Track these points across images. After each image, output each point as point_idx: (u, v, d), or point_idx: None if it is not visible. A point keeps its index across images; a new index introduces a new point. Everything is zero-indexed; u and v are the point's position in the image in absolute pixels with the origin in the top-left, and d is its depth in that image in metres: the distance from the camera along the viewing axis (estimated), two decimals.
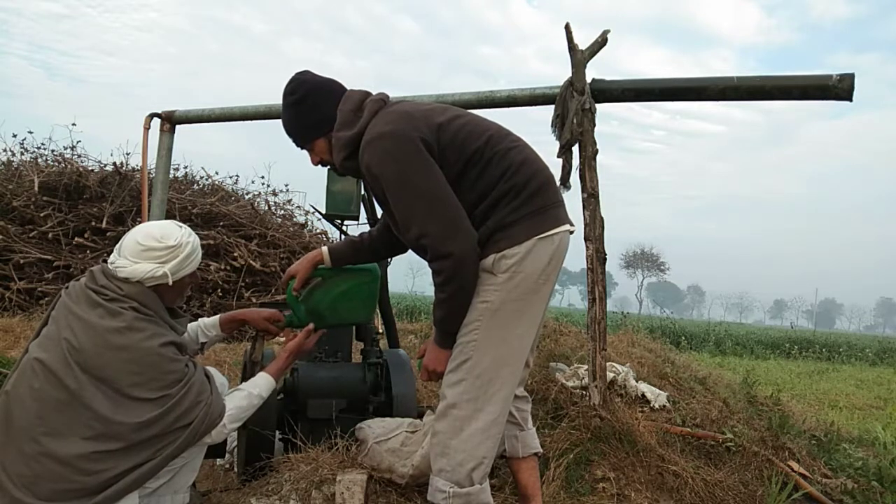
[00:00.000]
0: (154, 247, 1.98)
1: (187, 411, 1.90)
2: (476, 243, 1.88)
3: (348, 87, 2.08)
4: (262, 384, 2.17)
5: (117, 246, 2.03)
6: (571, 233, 2.05)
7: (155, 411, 1.84)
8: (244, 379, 2.47)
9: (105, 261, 2.05)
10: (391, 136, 1.86)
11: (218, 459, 2.98)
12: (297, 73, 2.08)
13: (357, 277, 2.34)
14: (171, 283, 1.99)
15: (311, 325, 2.35)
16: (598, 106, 3.32)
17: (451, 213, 1.85)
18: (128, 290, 1.94)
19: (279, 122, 2.10)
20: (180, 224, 2.10)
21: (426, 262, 1.92)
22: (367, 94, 2.05)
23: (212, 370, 2.24)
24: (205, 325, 2.35)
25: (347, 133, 1.97)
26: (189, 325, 2.28)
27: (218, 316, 2.39)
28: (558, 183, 2.80)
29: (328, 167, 2.15)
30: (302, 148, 2.11)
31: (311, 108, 2.02)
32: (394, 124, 1.89)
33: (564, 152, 3.32)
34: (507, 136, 2.02)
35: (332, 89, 2.05)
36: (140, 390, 1.84)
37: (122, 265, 1.96)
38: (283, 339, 2.51)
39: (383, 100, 2.03)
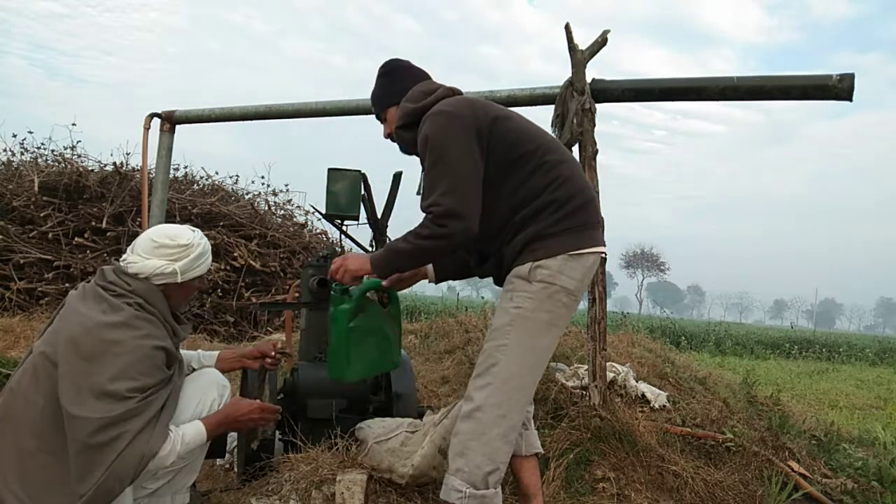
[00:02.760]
0: (166, 244, 2.03)
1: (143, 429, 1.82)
2: (471, 237, 1.93)
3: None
4: (189, 434, 1.97)
5: (131, 244, 2.08)
6: (604, 257, 2.08)
7: (116, 411, 1.77)
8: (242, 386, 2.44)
9: (117, 259, 2.09)
10: (449, 114, 2.00)
11: (218, 459, 2.98)
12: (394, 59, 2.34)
13: (396, 347, 2.30)
14: (179, 280, 2.02)
15: (277, 408, 2.27)
16: (598, 106, 3.32)
17: (468, 198, 1.92)
18: (135, 286, 1.97)
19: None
20: (194, 229, 2.15)
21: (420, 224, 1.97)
22: (443, 86, 2.21)
23: (213, 371, 2.25)
24: (202, 356, 2.35)
25: (412, 105, 2.13)
26: (188, 353, 2.29)
27: (218, 352, 2.39)
28: None
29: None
30: (379, 117, 2.30)
31: (393, 81, 2.25)
32: (454, 106, 2.03)
33: None
34: (557, 149, 2.11)
35: (417, 73, 2.27)
36: (119, 383, 1.80)
37: (133, 260, 2.01)
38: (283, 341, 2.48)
39: (454, 91, 2.19)
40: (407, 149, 2.22)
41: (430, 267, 2.33)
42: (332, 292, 2.18)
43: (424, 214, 1.96)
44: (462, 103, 2.05)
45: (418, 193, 2.19)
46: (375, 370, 2.38)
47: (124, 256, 2.05)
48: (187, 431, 1.96)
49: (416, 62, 2.34)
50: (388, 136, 2.30)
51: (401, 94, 2.19)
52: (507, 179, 2.02)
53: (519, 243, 2.00)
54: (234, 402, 2.18)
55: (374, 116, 2.35)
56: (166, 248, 2.02)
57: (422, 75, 2.26)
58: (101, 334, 1.85)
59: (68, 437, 1.79)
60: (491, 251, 2.12)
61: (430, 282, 2.39)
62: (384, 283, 2.18)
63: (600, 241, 2.06)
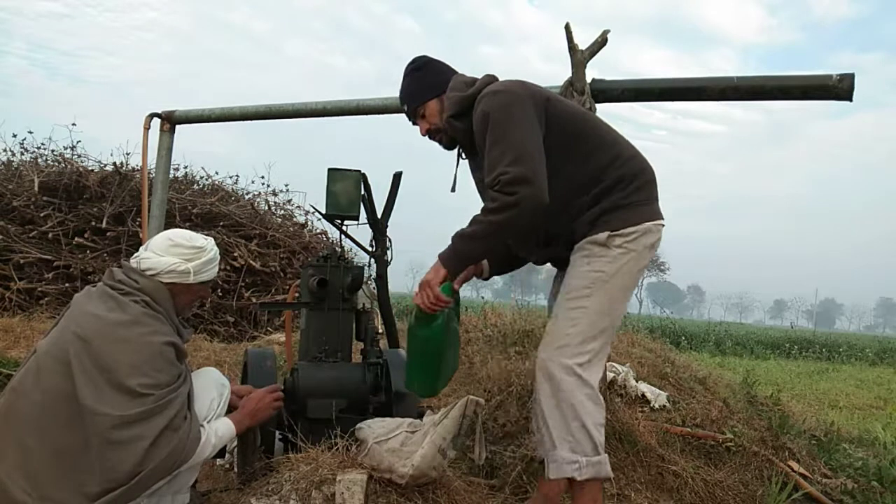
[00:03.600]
0: (182, 244, 2.10)
1: (167, 427, 1.87)
2: (542, 204, 1.92)
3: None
4: (222, 429, 2.11)
5: (146, 244, 2.15)
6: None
7: (136, 409, 1.82)
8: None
9: (126, 259, 2.15)
10: (506, 91, 2.05)
11: (218, 459, 2.97)
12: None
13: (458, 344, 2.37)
14: (190, 280, 2.07)
15: (277, 386, 2.40)
16: (598, 106, 3.31)
17: (535, 165, 1.94)
18: (143, 283, 2.01)
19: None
20: (207, 237, 2.23)
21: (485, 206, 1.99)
22: (479, 77, 2.23)
23: (212, 370, 2.26)
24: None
25: (460, 94, 2.15)
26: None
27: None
28: None
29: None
30: (415, 115, 2.27)
31: (429, 73, 2.25)
32: (508, 86, 2.08)
33: None
34: (610, 129, 2.19)
35: (448, 67, 2.29)
36: (133, 379, 1.84)
37: (146, 256, 2.07)
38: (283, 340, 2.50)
39: (495, 77, 2.22)
40: (457, 139, 2.22)
41: (484, 262, 2.35)
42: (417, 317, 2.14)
43: (492, 190, 1.94)
44: (515, 83, 2.10)
45: (452, 191, 2.22)
46: (452, 373, 2.39)
47: (137, 254, 2.11)
48: (219, 427, 2.08)
49: None
50: (426, 132, 2.26)
51: (439, 87, 2.20)
52: (569, 159, 2.06)
53: (593, 215, 2.05)
54: (247, 397, 2.28)
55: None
56: (182, 248, 2.09)
57: (452, 70, 2.28)
58: (111, 332, 1.88)
59: (91, 433, 1.80)
60: (558, 232, 2.14)
61: (483, 277, 2.40)
62: (455, 284, 2.16)
63: (662, 217, 2.15)
